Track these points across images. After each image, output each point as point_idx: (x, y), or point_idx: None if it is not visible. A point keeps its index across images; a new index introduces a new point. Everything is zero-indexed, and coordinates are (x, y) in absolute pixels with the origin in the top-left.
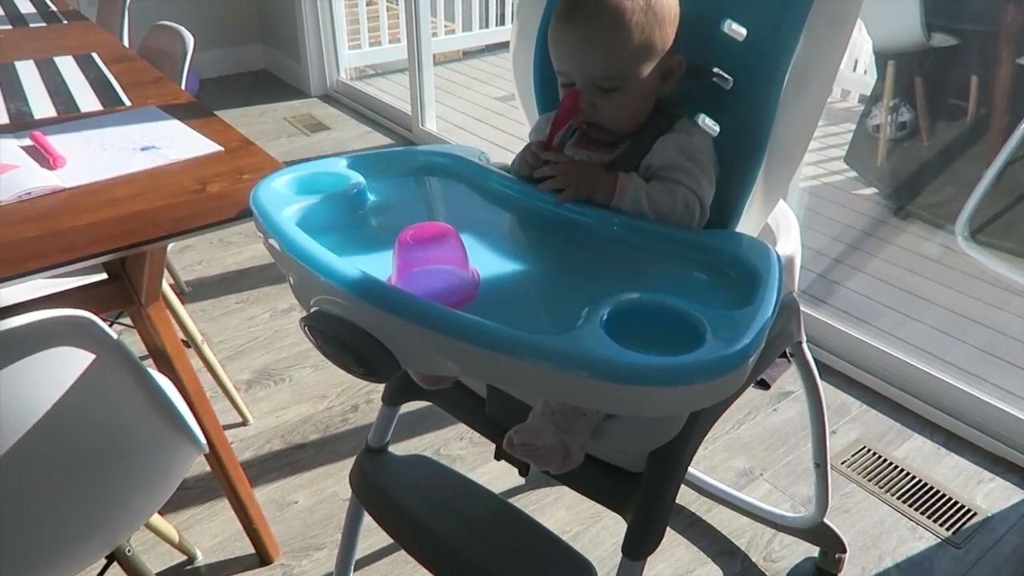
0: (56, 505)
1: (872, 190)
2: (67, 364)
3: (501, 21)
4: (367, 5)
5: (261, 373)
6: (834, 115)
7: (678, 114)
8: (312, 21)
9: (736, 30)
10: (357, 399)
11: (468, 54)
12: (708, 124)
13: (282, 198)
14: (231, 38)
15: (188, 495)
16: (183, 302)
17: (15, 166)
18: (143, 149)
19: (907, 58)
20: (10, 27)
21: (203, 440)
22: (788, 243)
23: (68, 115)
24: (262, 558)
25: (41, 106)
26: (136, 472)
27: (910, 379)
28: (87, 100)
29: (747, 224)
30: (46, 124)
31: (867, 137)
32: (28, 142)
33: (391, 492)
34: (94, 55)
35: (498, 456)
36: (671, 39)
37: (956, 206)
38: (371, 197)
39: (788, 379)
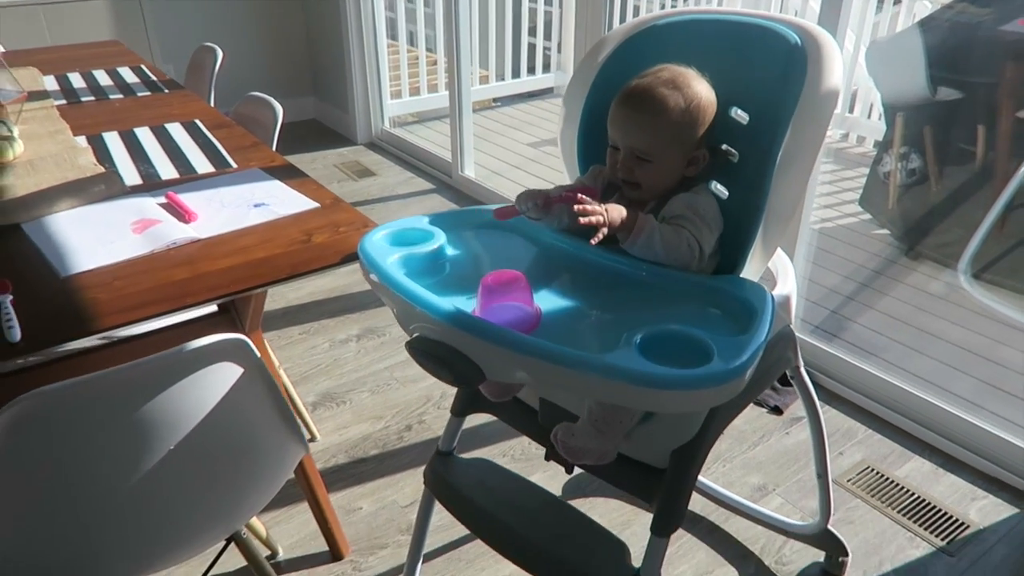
0: (199, 490)
1: (884, 231)
2: (224, 377)
3: (532, 71)
4: (407, 53)
5: (324, 396)
6: (849, 159)
7: (695, 183)
8: (359, 74)
9: (740, 115)
10: (410, 420)
11: (498, 101)
12: (720, 189)
13: (382, 249)
14: (286, 91)
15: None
16: None
17: (159, 220)
18: (255, 206)
19: (915, 110)
20: (122, 96)
21: (307, 440)
22: (785, 285)
23: (187, 176)
24: (334, 555)
25: (165, 168)
26: (259, 465)
27: (912, 407)
28: (200, 163)
29: (751, 269)
30: (171, 184)
31: (879, 182)
32: (163, 200)
33: (460, 488)
34: (197, 122)
35: (547, 457)
36: (700, 135)
37: (963, 247)
38: (449, 249)
39: (799, 406)
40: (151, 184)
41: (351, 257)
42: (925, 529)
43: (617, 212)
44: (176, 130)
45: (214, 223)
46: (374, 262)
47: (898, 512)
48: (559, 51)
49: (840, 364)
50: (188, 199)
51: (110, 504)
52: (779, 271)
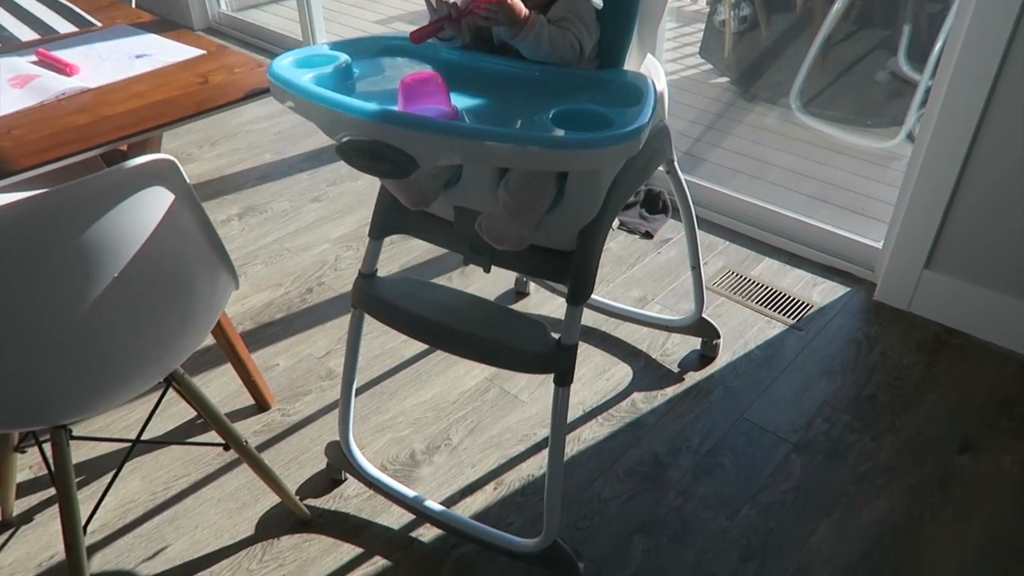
0: (138, 323)
1: (724, 79)
2: (157, 202)
3: None
4: None
5: None
6: (687, 17)
7: None
8: None
9: None
10: (310, 283)
11: None
12: (595, 1)
13: (293, 72)
14: None
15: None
16: None
17: (38, 75)
18: (137, 57)
19: None
20: None
21: (238, 275)
22: (658, 83)
23: (50, 36)
24: (261, 406)
25: (20, 32)
26: (195, 296)
27: (760, 217)
28: (59, 24)
29: (630, 66)
30: (36, 44)
31: (715, 32)
32: (35, 58)
33: (390, 300)
34: None
35: (466, 262)
36: None
37: (791, 85)
38: (355, 69)
39: (667, 230)
40: (13, 46)
41: (255, 93)
42: (779, 313)
43: (514, 5)
44: None
45: (100, 75)
46: (290, 82)
47: (756, 303)
48: None
49: (699, 189)
50: (63, 55)
51: (52, 338)
52: (651, 72)
